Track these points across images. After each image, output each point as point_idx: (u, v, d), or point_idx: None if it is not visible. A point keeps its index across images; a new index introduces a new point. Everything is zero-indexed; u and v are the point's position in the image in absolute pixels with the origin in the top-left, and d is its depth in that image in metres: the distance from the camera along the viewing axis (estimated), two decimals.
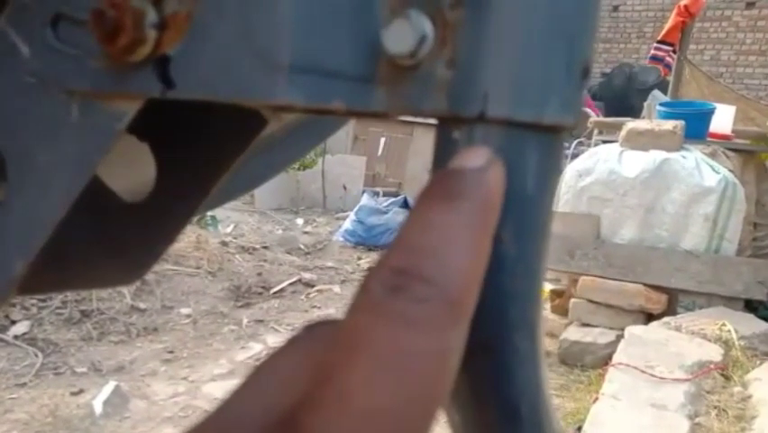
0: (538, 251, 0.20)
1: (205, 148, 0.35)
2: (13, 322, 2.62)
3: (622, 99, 8.97)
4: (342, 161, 5.85)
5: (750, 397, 1.86)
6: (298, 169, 5.60)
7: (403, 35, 0.17)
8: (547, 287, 3.16)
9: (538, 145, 0.18)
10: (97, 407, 2.13)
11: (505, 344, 0.20)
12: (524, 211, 0.19)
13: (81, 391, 2.27)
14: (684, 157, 2.83)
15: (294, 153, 0.51)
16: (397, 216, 4.68)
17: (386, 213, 4.60)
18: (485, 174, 0.15)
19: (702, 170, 2.78)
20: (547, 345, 3.01)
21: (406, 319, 0.13)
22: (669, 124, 2.92)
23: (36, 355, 2.46)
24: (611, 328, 2.76)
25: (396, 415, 0.13)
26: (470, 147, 0.17)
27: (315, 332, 0.17)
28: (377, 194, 5.06)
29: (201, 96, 0.19)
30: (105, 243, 0.41)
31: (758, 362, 2.12)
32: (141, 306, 3.01)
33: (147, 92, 0.20)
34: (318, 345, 0.16)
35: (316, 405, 0.13)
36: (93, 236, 0.39)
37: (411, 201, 4.66)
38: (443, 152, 0.18)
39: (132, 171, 0.40)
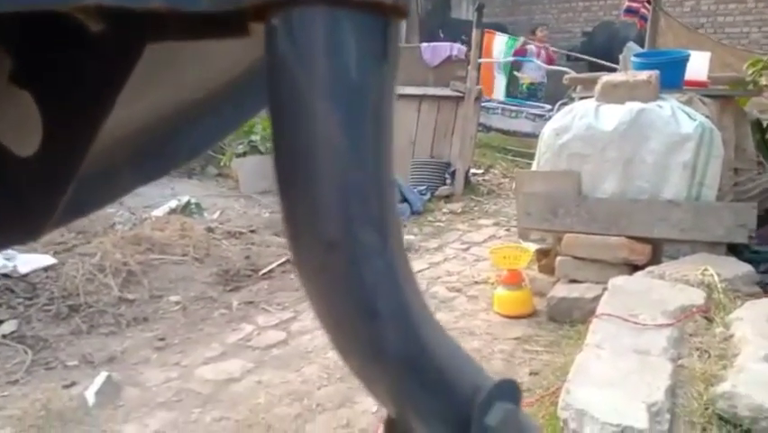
0: (371, 139, 0.19)
1: (82, 90, 0.34)
2: (0, 322, 2.61)
3: (606, 56, 8.89)
4: None
5: (732, 336, 1.89)
6: None
7: None
8: (533, 247, 3.17)
9: (356, 27, 0.18)
10: (90, 397, 2.14)
11: (349, 239, 0.20)
12: (350, 98, 0.18)
13: (73, 384, 2.28)
14: (660, 106, 2.82)
15: (240, 115, 0.50)
16: None
17: None
18: None
19: (679, 118, 2.77)
20: (537, 304, 3.03)
21: None
22: (643, 75, 2.90)
23: (26, 352, 2.46)
24: (598, 283, 2.77)
25: None
26: None
27: None
28: None
29: (22, 6, 0.19)
30: (3, 198, 0.40)
31: (740, 302, 2.14)
32: (130, 297, 3.00)
33: None
34: None
35: None
36: None
37: None
38: (266, 43, 0.18)
39: (18, 122, 0.39)
